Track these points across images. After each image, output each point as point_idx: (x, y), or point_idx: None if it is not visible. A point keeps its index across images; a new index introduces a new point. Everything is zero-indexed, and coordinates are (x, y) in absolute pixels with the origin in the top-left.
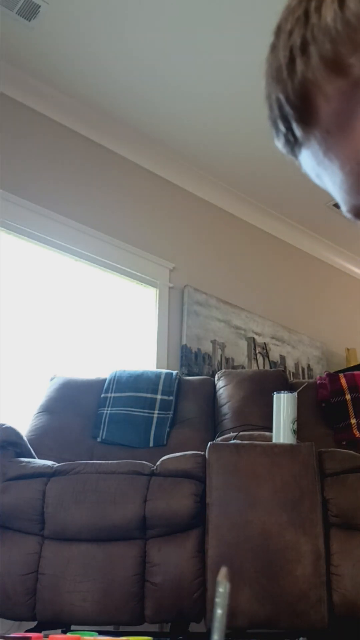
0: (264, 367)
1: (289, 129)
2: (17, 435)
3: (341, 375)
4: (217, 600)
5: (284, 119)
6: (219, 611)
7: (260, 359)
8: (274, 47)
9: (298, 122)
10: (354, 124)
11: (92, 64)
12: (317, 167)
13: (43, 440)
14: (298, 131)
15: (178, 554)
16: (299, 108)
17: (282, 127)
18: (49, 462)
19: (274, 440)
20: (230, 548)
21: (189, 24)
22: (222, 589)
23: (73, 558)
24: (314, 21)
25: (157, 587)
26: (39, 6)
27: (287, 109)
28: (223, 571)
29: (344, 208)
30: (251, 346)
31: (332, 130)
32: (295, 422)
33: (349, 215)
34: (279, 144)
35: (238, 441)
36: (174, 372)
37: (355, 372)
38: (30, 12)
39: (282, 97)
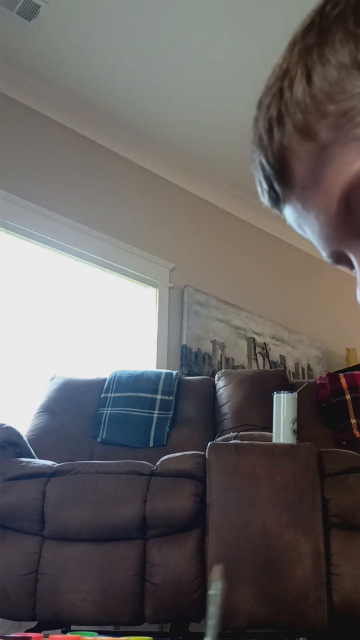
0: (264, 367)
1: (271, 187)
2: (17, 435)
3: (341, 375)
4: (211, 600)
5: (266, 179)
6: (212, 610)
7: (260, 359)
8: (256, 119)
9: (278, 182)
10: (324, 180)
11: (92, 64)
12: (298, 219)
13: (43, 440)
14: (279, 189)
15: (178, 554)
16: (278, 169)
17: (265, 186)
18: (49, 462)
19: (274, 440)
20: (230, 548)
21: (189, 24)
22: (215, 590)
23: (73, 558)
24: (287, 96)
25: (157, 587)
26: (39, 6)
27: (268, 170)
28: (217, 570)
29: (323, 254)
30: (251, 346)
31: (306, 186)
32: (295, 422)
33: (329, 261)
34: (264, 200)
35: (238, 441)
36: (174, 372)
37: (355, 372)
38: (30, 12)
39: (263, 161)
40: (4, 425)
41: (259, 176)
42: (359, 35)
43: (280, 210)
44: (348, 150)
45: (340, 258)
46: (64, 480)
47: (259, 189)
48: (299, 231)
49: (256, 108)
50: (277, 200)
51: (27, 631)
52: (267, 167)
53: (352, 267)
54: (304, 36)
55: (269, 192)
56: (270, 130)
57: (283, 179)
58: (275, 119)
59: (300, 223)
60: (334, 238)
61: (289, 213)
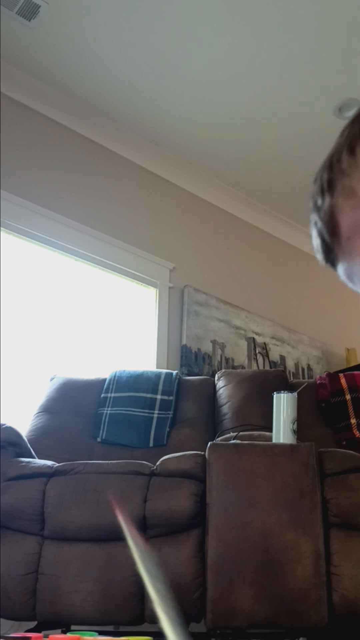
0: (264, 367)
1: (323, 241)
2: (17, 435)
3: (341, 375)
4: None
5: (319, 234)
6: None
7: (260, 359)
8: (312, 190)
9: (328, 235)
10: None
11: (92, 64)
12: (347, 269)
13: (43, 440)
14: (329, 241)
15: (178, 554)
16: (328, 224)
17: (319, 241)
18: (49, 462)
19: (273, 440)
20: (230, 548)
21: (188, 24)
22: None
23: (73, 558)
24: (336, 166)
25: None
26: (39, 6)
27: (320, 226)
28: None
29: None
30: (251, 346)
31: (351, 236)
32: (295, 422)
33: None
34: (319, 255)
35: (238, 441)
36: (174, 372)
37: (355, 372)
38: (30, 12)
39: (317, 218)
40: (4, 425)
41: (314, 234)
42: None
43: (333, 264)
44: None
45: None
46: (64, 480)
47: (314, 245)
48: (350, 284)
49: (313, 183)
50: (329, 253)
51: (27, 631)
52: (319, 223)
53: None
54: (352, 124)
55: (321, 246)
56: (322, 193)
57: (332, 231)
58: (326, 182)
59: (349, 273)
60: None
61: (340, 265)
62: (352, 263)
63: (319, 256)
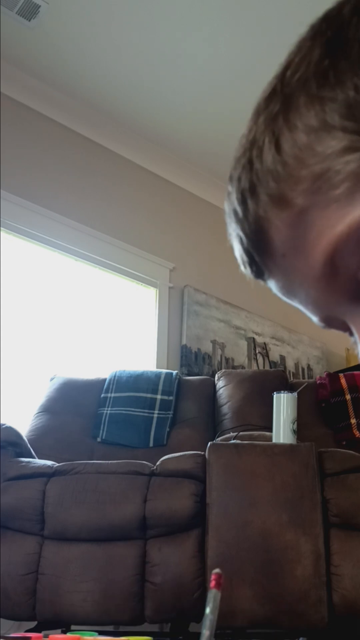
0: (264, 367)
1: (252, 259)
2: (17, 435)
3: (341, 375)
4: (208, 609)
5: (246, 252)
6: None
7: (260, 359)
8: (228, 194)
9: (258, 253)
10: (305, 246)
11: (92, 64)
12: (283, 289)
13: (43, 440)
14: (259, 260)
15: (178, 554)
16: (256, 240)
17: (246, 259)
18: (49, 462)
19: (273, 440)
20: (230, 548)
21: (188, 24)
22: (212, 603)
23: (73, 558)
24: (257, 166)
25: (157, 587)
26: (39, 6)
27: (247, 243)
28: (215, 575)
29: (314, 319)
30: (251, 346)
31: (287, 253)
32: (295, 422)
33: (321, 325)
34: (247, 272)
35: (238, 441)
36: (174, 372)
37: (355, 372)
38: (30, 12)
39: (241, 233)
40: (4, 425)
41: (238, 250)
42: (324, 97)
43: (265, 281)
44: (328, 213)
45: (332, 322)
46: (64, 480)
47: (240, 263)
48: (286, 299)
49: (228, 182)
50: (260, 272)
51: (27, 631)
52: (245, 239)
53: (344, 329)
54: (267, 104)
55: (250, 265)
56: (244, 202)
57: (262, 249)
58: (247, 190)
59: (285, 292)
60: (323, 303)
61: (273, 283)
62: (290, 281)
63: (248, 273)
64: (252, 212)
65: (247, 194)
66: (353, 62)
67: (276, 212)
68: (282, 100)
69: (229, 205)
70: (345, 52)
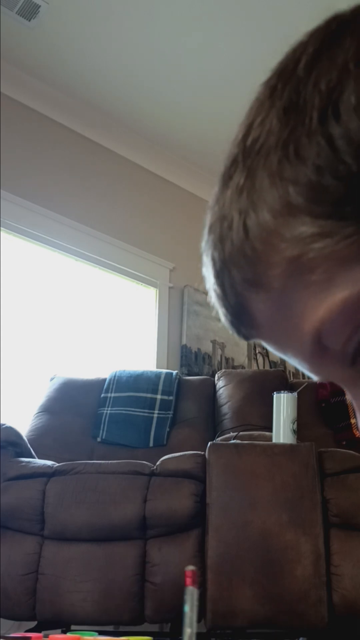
0: (264, 367)
1: (239, 329)
2: (17, 435)
3: None
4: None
5: (233, 324)
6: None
7: (260, 359)
8: (205, 266)
9: (244, 327)
10: (289, 325)
11: (92, 64)
12: (275, 352)
13: (43, 440)
14: (247, 333)
15: (178, 554)
16: (239, 317)
17: (234, 329)
18: (49, 462)
19: (273, 440)
20: (230, 548)
21: (188, 24)
22: (190, 600)
23: (73, 558)
24: (228, 248)
25: (157, 587)
26: (39, 6)
27: (231, 318)
28: (189, 572)
29: (314, 379)
30: (251, 346)
31: (273, 328)
32: (295, 422)
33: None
34: (238, 336)
35: (238, 441)
36: (174, 372)
37: None
38: (30, 12)
39: (224, 310)
40: (4, 425)
41: (224, 320)
42: (286, 178)
43: (255, 340)
44: (306, 297)
45: (330, 381)
46: (64, 480)
47: (228, 328)
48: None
49: (203, 254)
50: (250, 338)
51: (27, 631)
52: (228, 315)
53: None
54: (231, 174)
55: (238, 333)
56: (222, 285)
57: (248, 324)
58: (223, 271)
59: (279, 353)
60: (317, 372)
61: (266, 344)
62: (281, 351)
63: (237, 336)
64: (230, 294)
65: (224, 276)
66: (311, 134)
67: (254, 294)
68: (245, 174)
69: (207, 281)
70: (303, 123)
